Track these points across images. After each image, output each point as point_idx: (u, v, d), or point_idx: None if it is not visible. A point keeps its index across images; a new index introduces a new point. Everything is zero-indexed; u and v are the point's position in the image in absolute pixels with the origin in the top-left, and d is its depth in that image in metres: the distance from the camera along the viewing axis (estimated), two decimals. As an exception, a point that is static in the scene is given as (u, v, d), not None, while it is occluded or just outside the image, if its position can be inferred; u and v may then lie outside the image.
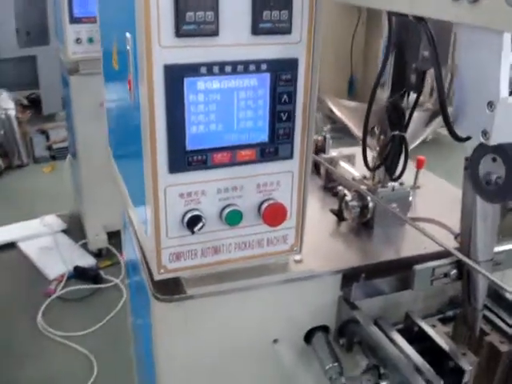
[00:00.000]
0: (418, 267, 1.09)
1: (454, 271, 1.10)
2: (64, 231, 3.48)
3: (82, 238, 3.33)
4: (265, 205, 0.97)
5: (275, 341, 1.18)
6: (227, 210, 0.95)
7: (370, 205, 1.28)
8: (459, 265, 1.10)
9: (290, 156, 0.96)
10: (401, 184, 1.30)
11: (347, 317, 1.17)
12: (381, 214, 1.30)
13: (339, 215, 1.35)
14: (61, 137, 4.61)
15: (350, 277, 1.17)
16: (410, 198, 1.32)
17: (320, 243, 1.25)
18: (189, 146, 0.89)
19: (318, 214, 1.39)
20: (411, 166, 1.57)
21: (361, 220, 1.31)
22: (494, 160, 0.77)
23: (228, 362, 1.16)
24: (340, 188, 1.34)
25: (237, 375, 1.18)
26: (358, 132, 1.28)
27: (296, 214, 1.02)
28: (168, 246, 0.95)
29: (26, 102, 5.12)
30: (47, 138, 4.88)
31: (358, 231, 1.32)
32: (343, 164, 1.50)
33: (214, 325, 1.11)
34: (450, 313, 1.25)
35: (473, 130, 0.64)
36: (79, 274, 3.04)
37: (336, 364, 1.12)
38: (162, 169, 0.89)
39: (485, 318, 1.20)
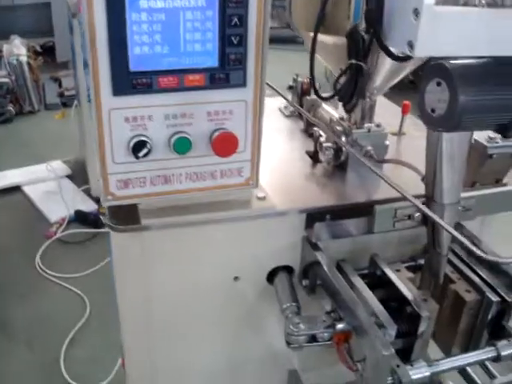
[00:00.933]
0: (378, 207, 1.05)
1: (418, 214, 1.06)
2: (68, 176, 3.50)
3: (85, 183, 3.35)
4: (215, 134, 0.93)
5: (236, 278, 1.16)
6: (175, 137, 0.91)
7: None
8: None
9: (243, 84, 0.92)
10: (377, 126, 1.25)
11: (310, 258, 1.14)
12: (355, 156, 1.25)
13: (314, 157, 1.31)
14: (73, 84, 4.59)
15: (314, 217, 1.13)
16: (387, 142, 1.27)
17: (289, 183, 1.22)
18: (132, 67, 0.86)
19: (294, 156, 1.35)
20: (398, 111, 1.52)
21: (335, 162, 1.27)
22: (439, 84, 0.71)
23: (189, 298, 1.15)
24: (315, 129, 1.30)
25: (198, 311, 1.18)
26: (331, 66, 1.23)
27: (251, 146, 0.98)
28: (115, 172, 0.93)
29: (39, 48, 5.09)
30: (60, 85, 4.87)
31: (332, 174, 1.28)
32: (325, 105, 1.44)
33: (173, 259, 1.09)
34: (422, 260, 1.21)
35: (401, 43, 0.59)
36: (80, 217, 3.06)
37: (294, 304, 1.10)
38: (105, 90, 0.87)
39: (454, 266, 1.16)
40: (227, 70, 0.90)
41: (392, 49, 0.66)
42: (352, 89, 1.04)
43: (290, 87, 1.56)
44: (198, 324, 1.19)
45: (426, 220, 1.07)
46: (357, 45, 0.93)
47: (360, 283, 1.08)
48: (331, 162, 1.27)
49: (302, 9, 1.14)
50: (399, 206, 1.05)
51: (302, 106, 1.47)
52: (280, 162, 1.31)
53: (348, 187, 1.24)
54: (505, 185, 1.25)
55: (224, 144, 0.93)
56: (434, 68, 0.72)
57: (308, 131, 1.46)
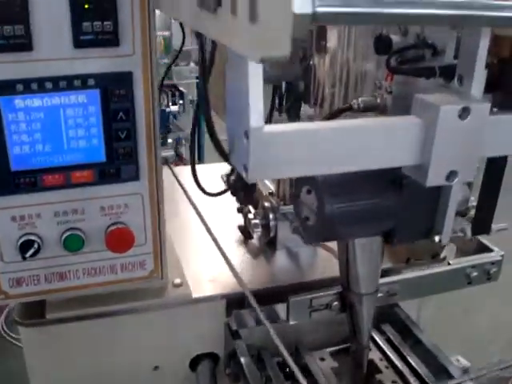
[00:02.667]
0: (292, 299, 0.99)
1: (336, 303, 1.01)
2: None
3: None
4: (109, 229, 0.90)
5: (156, 368, 1.11)
6: (65, 235, 0.88)
7: (272, 223, 1.20)
8: (342, 296, 1.00)
9: (136, 177, 0.89)
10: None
11: (231, 346, 1.09)
12: (284, 233, 1.21)
13: (245, 234, 1.27)
14: None
15: (234, 303, 1.09)
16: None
17: (214, 265, 1.17)
18: (14, 167, 0.83)
19: (227, 232, 1.31)
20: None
21: (265, 239, 1.23)
22: (309, 192, 0.68)
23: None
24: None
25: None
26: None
27: (152, 239, 0.95)
28: (6, 271, 0.90)
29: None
30: None
31: (263, 252, 1.24)
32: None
33: (84, 351, 1.05)
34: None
35: (239, 166, 0.56)
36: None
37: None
38: (-13, 191, 0.84)
39: (383, 352, 1.10)
40: (117, 164, 0.87)
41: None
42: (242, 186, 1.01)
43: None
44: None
45: (345, 308, 1.01)
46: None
47: (277, 376, 1.03)
48: (262, 238, 1.23)
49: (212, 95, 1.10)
50: (315, 296, 1.00)
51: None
52: (208, 240, 1.27)
53: (275, 268, 1.19)
54: (443, 259, 1.20)
55: (117, 240, 0.90)
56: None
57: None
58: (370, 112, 0.70)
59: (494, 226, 0.78)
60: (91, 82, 0.82)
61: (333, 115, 0.76)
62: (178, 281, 1.07)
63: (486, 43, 0.60)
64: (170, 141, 1.37)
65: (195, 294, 1.07)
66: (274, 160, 0.55)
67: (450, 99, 0.60)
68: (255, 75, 0.52)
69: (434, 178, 0.60)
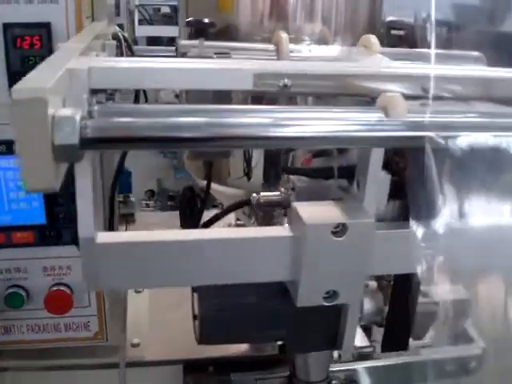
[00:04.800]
0: (235, 376, 0.94)
1: (284, 387, 0.94)
2: None
3: None
4: (48, 291, 0.90)
5: (111, 426, 1.09)
6: (7, 292, 0.89)
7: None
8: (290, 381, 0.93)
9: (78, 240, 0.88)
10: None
11: (185, 413, 1.05)
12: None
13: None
14: None
15: (191, 368, 1.05)
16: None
17: (178, 324, 1.14)
18: (-42, 225, 0.85)
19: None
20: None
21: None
22: (194, 291, 0.63)
23: None
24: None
25: None
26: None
27: (96, 302, 0.94)
28: (-47, 322, 0.92)
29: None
30: None
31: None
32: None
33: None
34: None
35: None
36: None
37: None
38: None
39: None
40: (57, 227, 0.87)
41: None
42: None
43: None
44: None
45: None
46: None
47: None
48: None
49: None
50: (260, 377, 0.94)
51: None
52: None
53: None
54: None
55: (55, 302, 0.90)
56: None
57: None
58: (271, 208, 0.65)
59: (413, 343, 0.69)
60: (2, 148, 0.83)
61: (226, 211, 0.71)
62: (136, 341, 1.06)
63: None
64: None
65: (150, 357, 1.05)
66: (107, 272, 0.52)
67: (329, 212, 0.53)
68: (83, 177, 0.49)
69: (307, 298, 0.54)
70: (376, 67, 0.59)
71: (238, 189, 0.87)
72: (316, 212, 0.53)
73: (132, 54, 0.94)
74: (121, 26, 1.22)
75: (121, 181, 1.01)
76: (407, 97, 0.48)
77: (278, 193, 0.63)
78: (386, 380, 0.97)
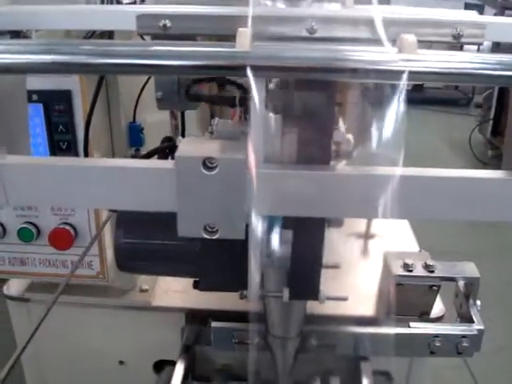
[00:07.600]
0: (215, 324, 0.98)
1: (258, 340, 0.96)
2: None
3: None
4: (53, 229, 1.00)
5: (121, 362, 1.19)
6: (19, 227, 1.01)
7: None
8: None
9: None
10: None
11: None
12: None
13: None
14: None
15: (192, 318, 1.11)
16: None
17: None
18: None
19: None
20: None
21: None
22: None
23: (74, 372, 1.21)
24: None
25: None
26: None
27: (98, 242, 1.03)
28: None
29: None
30: None
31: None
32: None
33: (57, 333, 1.17)
34: None
35: None
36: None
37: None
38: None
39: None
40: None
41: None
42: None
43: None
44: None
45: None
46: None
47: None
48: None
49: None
50: (237, 328, 0.97)
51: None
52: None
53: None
54: (433, 320, 1.05)
55: (57, 238, 1.00)
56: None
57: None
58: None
59: (325, 294, 0.67)
60: (35, 97, 0.92)
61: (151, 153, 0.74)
62: (145, 287, 1.14)
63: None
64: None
65: (155, 303, 1.12)
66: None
67: (204, 147, 0.55)
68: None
69: (187, 228, 0.57)
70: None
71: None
72: (192, 146, 0.55)
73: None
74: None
75: (132, 134, 1.08)
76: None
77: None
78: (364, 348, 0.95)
